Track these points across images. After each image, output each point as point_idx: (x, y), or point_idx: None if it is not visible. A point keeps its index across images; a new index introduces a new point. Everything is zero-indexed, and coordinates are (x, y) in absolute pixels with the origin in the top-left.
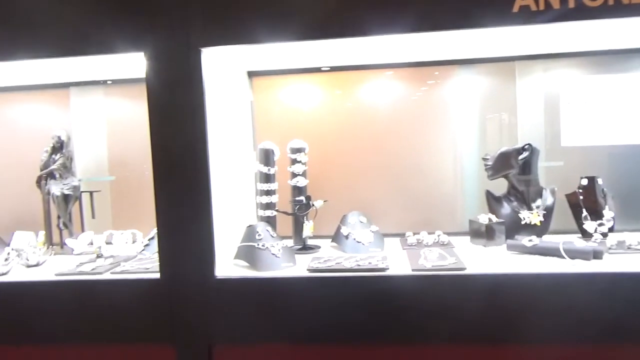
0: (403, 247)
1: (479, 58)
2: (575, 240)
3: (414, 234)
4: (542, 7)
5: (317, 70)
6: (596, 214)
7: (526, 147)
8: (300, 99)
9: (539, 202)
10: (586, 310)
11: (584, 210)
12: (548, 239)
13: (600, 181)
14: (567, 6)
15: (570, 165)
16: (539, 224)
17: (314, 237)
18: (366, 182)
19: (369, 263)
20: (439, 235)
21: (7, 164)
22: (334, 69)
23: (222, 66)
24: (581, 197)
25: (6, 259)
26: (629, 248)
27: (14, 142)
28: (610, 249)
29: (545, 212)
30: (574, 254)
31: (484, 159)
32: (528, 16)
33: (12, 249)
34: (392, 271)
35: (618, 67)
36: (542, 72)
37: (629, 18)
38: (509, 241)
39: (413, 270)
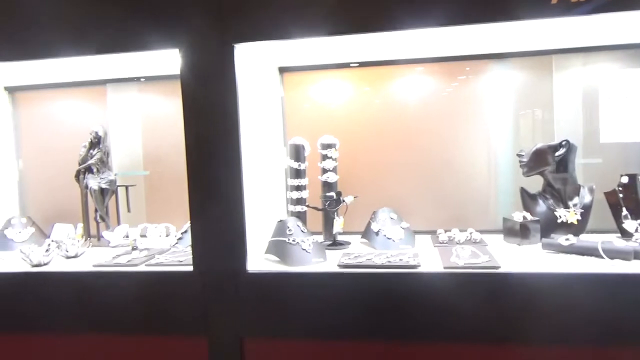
0: (434, 245)
1: (514, 52)
2: (615, 240)
3: (446, 231)
4: None
5: (347, 65)
6: (637, 213)
7: (563, 143)
8: (330, 94)
9: (576, 200)
10: (626, 312)
11: (624, 209)
12: (586, 238)
13: None
14: None
15: (610, 162)
16: (576, 222)
17: (344, 233)
18: (397, 178)
19: (400, 260)
20: (471, 233)
21: (47, 159)
22: (363, 64)
23: (254, 62)
24: (621, 196)
25: (47, 250)
26: None
27: (54, 137)
28: None
29: (582, 210)
30: (613, 253)
31: (519, 156)
32: (567, 7)
33: (52, 241)
34: (423, 268)
35: None
36: (580, 65)
37: None
38: (545, 240)
39: (445, 267)
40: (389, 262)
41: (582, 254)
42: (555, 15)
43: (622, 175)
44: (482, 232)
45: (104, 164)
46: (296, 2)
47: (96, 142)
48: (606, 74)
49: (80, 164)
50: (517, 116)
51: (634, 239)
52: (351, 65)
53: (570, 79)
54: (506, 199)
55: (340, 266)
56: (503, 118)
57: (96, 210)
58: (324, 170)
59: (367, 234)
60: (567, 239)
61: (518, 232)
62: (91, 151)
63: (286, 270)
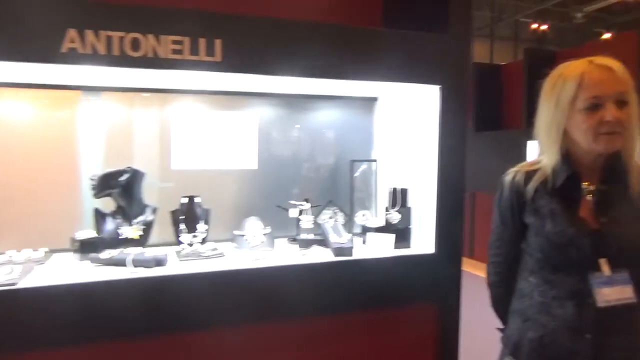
0: None
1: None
2: (147, 252)
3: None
4: (89, 51)
5: None
6: (193, 228)
7: (127, 169)
8: None
9: (140, 218)
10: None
11: (181, 225)
12: (142, 251)
13: (198, 199)
14: (112, 53)
15: (181, 186)
16: (138, 237)
17: None
18: None
19: None
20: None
21: None
22: None
23: None
24: (181, 216)
25: None
26: (199, 255)
27: None
28: (182, 256)
29: (145, 227)
30: (140, 263)
31: (91, 180)
32: (76, 57)
33: None
34: None
35: (226, 105)
36: (159, 105)
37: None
38: (92, 255)
39: None
40: None
41: (117, 265)
42: (65, 63)
43: (182, 197)
44: (62, 250)
45: None
46: None
47: None
48: (178, 113)
49: None
50: (108, 145)
51: (180, 248)
52: None
53: (150, 116)
54: (91, 220)
55: None
56: (92, 146)
57: None
58: None
59: None
60: (109, 253)
61: (80, 248)
62: None
63: None
